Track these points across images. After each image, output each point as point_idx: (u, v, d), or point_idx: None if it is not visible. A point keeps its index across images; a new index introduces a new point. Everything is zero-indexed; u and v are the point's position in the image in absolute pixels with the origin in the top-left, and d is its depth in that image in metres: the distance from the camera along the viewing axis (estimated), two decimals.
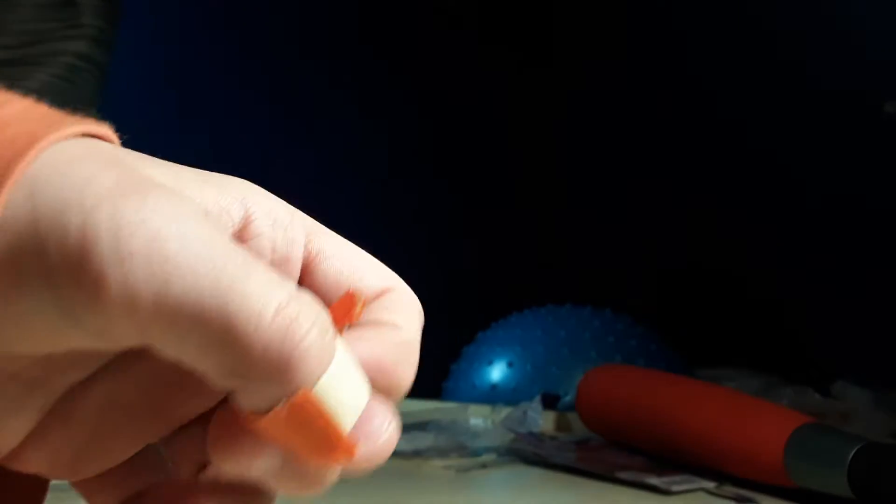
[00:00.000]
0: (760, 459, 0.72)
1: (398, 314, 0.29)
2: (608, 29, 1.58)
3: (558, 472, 0.81)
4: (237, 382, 0.24)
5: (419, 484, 0.79)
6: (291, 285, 0.25)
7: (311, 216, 0.31)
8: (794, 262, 1.35)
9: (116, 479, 0.29)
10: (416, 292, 0.33)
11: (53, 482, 0.30)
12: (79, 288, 0.23)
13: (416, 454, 0.87)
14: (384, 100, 1.55)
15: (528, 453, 0.86)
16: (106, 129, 0.28)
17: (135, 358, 0.27)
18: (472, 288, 1.53)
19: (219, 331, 0.23)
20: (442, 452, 0.87)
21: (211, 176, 0.29)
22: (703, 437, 0.78)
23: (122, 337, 0.24)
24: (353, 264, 0.30)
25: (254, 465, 0.26)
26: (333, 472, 0.27)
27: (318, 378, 0.24)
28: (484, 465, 0.84)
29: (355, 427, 0.25)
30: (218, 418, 0.26)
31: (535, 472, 0.82)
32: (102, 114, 0.30)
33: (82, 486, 0.29)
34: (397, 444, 0.27)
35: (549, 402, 1.05)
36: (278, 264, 0.28)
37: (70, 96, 0.80)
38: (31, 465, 0.28)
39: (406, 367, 0.28)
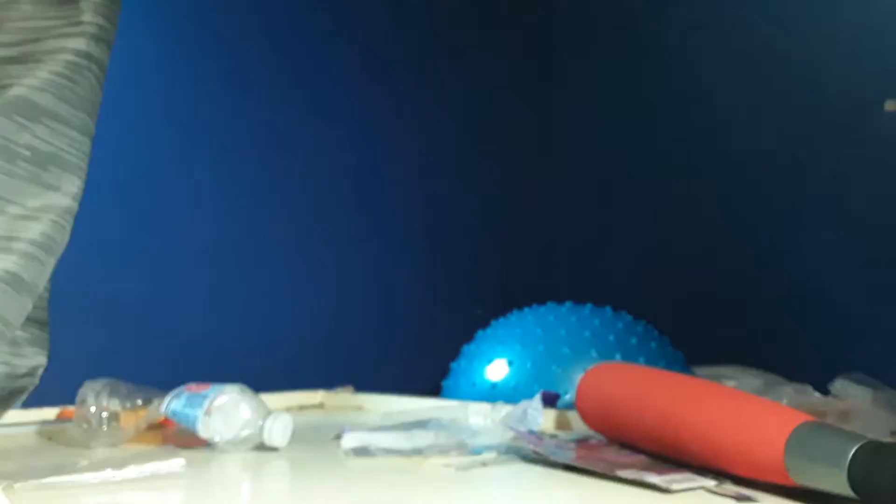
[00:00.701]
0: (760, 458, 0.72)
1: None
2: (608, 29, 1.58)
3: (558, 470, 0.81)
4: None
5: (420, 482, 0.79)
6: None
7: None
8: (794, 262, 1.35)
9: None
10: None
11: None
12: None
13: (417, 452, 0.87)
14: (384, 100, 1.55)
15: (528, 451, 0.86)
16: None
17: None
18: (472, 287, 1.53)
19: None
20: (442, 450, 0.88)
21: None
22: (703, 436, 0.78)
23: None
24: None
25: None
26: None
27: None
28: (484, 464, 0.84)
29: None
30: None
31: (535, 471, 0.82)
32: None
33: None
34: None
35: (549, 400, 1.05)
36: None
37: (70, 94, 0.80)
38: None
39: None
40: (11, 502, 0.68)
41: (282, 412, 0.95)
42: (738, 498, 0.71)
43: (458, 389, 1.26)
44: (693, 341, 1.25)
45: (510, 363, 1.21)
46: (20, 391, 0.84)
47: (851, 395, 0.96)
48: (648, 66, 1.55)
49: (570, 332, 1.20)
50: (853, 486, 0.67)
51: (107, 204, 1.25)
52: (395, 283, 1.49)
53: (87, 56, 0.81)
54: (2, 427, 1.03)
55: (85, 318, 1.22)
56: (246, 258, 1.41)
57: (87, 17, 0.82)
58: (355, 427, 0.92)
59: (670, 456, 0.82)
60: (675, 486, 0.73)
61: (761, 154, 1.39)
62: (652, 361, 1.14)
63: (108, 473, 0.75)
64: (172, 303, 1.35)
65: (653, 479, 0.75)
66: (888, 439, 0.85)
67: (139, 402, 0.98)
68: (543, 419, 0.94)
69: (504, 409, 0.94)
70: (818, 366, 1.06)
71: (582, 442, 0.93)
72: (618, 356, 1.16)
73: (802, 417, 0.73)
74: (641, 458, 0.84)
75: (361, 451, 0.88)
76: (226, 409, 0.94)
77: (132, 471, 0.76)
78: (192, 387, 0.96)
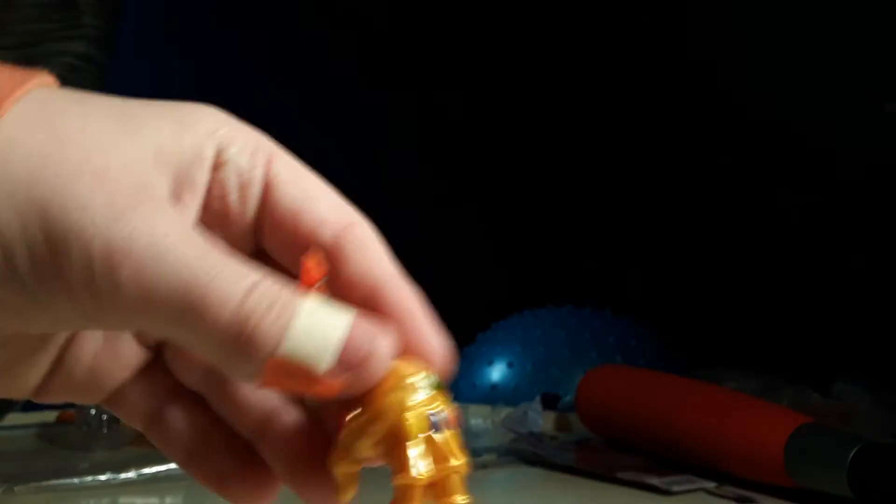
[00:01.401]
0: (760, 459, 0.72)
1: (366, 252, 0.32)
2: (608, 28, 1.58)
3: (558, 472, 0.81)
4: (217, 361, 0.29)
5: None
6: (252, 277, 0.28)
7: None
8: (794, 262, 1.35)
9: (134, 397, 0.33)
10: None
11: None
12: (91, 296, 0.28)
13: None
14: (384, 99, 1.55)
15: (528, 453, 0.86)
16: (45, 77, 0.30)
17: None
18: (472, 288, 1.53)
19: (195, 325, 0.28)
20: None
21: (166, 109, 0.31)
22: (703, 438, 0.78)
23: (117, 325, 0.30)
24: (306, 194, 0.32)
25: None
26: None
27: (279, 344, 0.28)
28: (484, 465, 0.84)
29: (341, 356, 0.29)
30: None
31: (536, 473, 0.82)
32: None
33: (111, 405, 0.33)
34: None
35: (549, 402, 1.05)
36: (243, 188, 0.31)
37: None
38: (53, 395, 0.32)
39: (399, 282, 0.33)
40: None
41: None
42: (738, 499, 0.71)
43: (458, 391, 1.26)
44: (693, 343, 1.25)
45: (510, 365, 1.21)
46: None
47: (851, 396, 0.96)
48: (648, 65, 1.54)
49: (570, 334, 1.20)
50: (853, 488, 0.67)
51: None
52: None
53: (87, 58, 0.81)
54: (1, 429, 1.03)
55: None
56: None
57: (87, 19, 0.82)
58: None
59: (670, 457, 0.82)
60: (675, 488, 0.74)
61: (762, 153, 1.39)
62: (652, 363, 1.14)
63: (109, 476, 0.75)
64: None
65: (653, 480, 0.75)
66: (888, 441, 0.85)
67: None
68: (543, 421, 0.94)
69: (504, 411, 0.94)
70: (818, 367, 1.06)
71: (582, 444, 0.93)
72: (618, 358, 1.16)
73: (802, 419, 0.73)
74: (641, 459, 0.84)
75: None
76: None
77: (132, 473, 0.76)
78: None
